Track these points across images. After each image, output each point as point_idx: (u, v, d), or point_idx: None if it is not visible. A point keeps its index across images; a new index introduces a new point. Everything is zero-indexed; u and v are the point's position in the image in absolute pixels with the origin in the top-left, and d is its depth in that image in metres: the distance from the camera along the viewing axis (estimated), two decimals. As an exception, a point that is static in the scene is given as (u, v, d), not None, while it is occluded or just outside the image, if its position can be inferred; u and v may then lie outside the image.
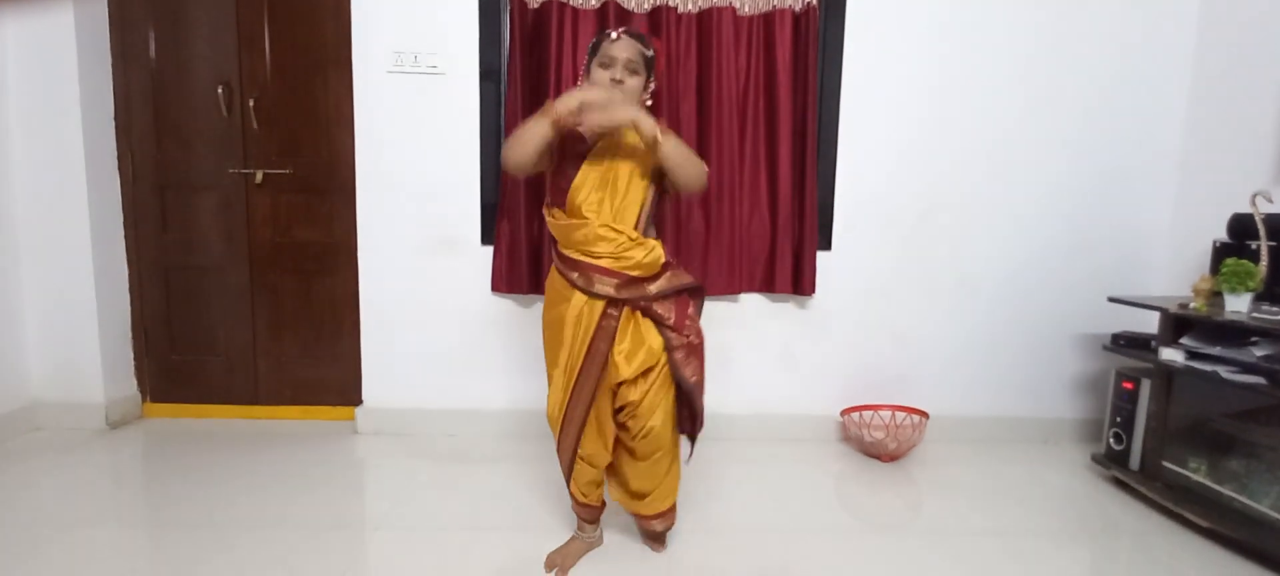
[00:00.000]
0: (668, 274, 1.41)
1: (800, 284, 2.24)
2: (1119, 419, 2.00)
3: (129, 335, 2.41)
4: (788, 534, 1.68)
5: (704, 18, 2.12)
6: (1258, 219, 1.75)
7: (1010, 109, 2.25)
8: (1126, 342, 1.99)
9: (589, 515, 1.55)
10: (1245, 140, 2.05)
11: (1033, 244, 2.31)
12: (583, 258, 1.38)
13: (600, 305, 1.38)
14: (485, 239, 2.26)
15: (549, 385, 1.47)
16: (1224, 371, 1.65)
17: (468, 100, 2.19)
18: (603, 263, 1.36)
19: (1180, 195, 2.29)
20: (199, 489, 1.84)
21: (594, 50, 1.40)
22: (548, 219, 1.45)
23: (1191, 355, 1.78)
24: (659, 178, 1.43)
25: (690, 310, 1.44)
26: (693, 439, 1.52)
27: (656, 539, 1.56)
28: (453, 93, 2.19)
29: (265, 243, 2.39)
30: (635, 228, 1.40)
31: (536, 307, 2.29)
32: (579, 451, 1.45)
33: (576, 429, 1.42)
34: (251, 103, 2.31)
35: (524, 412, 2.31)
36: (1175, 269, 2.26)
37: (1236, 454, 1.73)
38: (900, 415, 2.23)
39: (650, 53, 1.41)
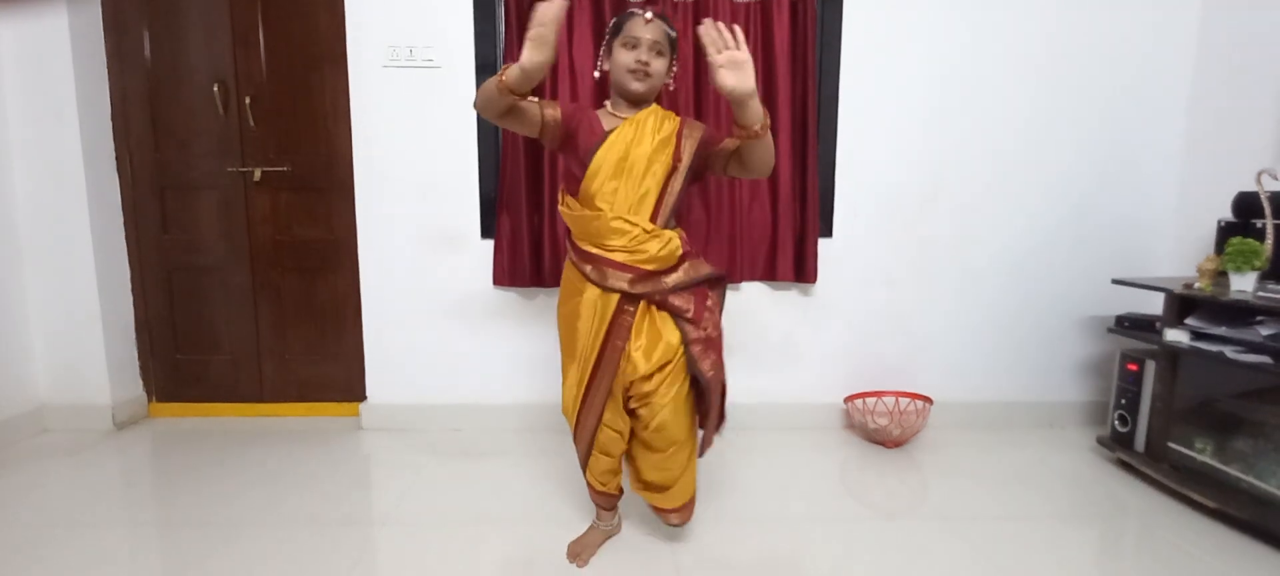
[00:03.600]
0: (686, 265, 1.37)
1: (802, 272, 2.23)
2: (1124, 401, 2.00)
3: (133, 336, 2.42)
4: (793, 521, 1.68)
5: (701, 4, 2.10)
6: (1263, 197, 1.73)
7: (1011, 91, 2.22)
8: (1131, 324, 1.98)
9: (607, 503, 1.54)
10: (1250, 118, 2.03)
11: (1036, 226, 2.30)
12: (597, 250, 1.34)
13: (615, 299, 1.34)
14: (485, 233, 2.25)
15: (563, 377, 1.45)
16: (1229, 351, 1.65)
17: (464, 93, 2.18)
18: (616, 256, 1.32)
19: (1184, 174, 2.26)
20: (207, 488, 1.86)
21: (617, 29, 1.35)
22: (562, 209, 1.40)
23: (1196, 335, 1.77)
24: (698, 166, 1.38)
25: (709, 301, 1.40)
26: (709, 433, 1.46)
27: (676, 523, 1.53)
28: (449, 86, 2.18)
29: (266, 241, 2.39)
30: (654, 219, 1.35)
31: (538, 300, 2.29)
32: (595, 442, 1.44)
33: (594, 420, 1.41)
34: (248, 101, 2.31)
35: (528, 406, 2.31)
36: (1180, 249, 2.25)
37: (1243, 434, 1.73)
38: (904, 401, 2.23)
39: (674, 33, 1.36)
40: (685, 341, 1.36)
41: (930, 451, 2.16)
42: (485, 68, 2.17)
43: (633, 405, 1.40)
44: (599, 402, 1.39)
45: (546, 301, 2.29)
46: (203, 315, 2.44)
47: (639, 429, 1.42)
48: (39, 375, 2.29)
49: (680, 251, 1.36)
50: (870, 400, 2.25)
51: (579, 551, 1.49)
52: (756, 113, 1.17)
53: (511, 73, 1.17)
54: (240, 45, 2.29)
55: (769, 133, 1.22)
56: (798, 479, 1.95)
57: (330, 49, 2.25)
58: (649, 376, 1.35)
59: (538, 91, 2.14)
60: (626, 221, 1.32)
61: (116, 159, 2.33)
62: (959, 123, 2.24)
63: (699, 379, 1.38)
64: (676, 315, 1.36)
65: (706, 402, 1.41)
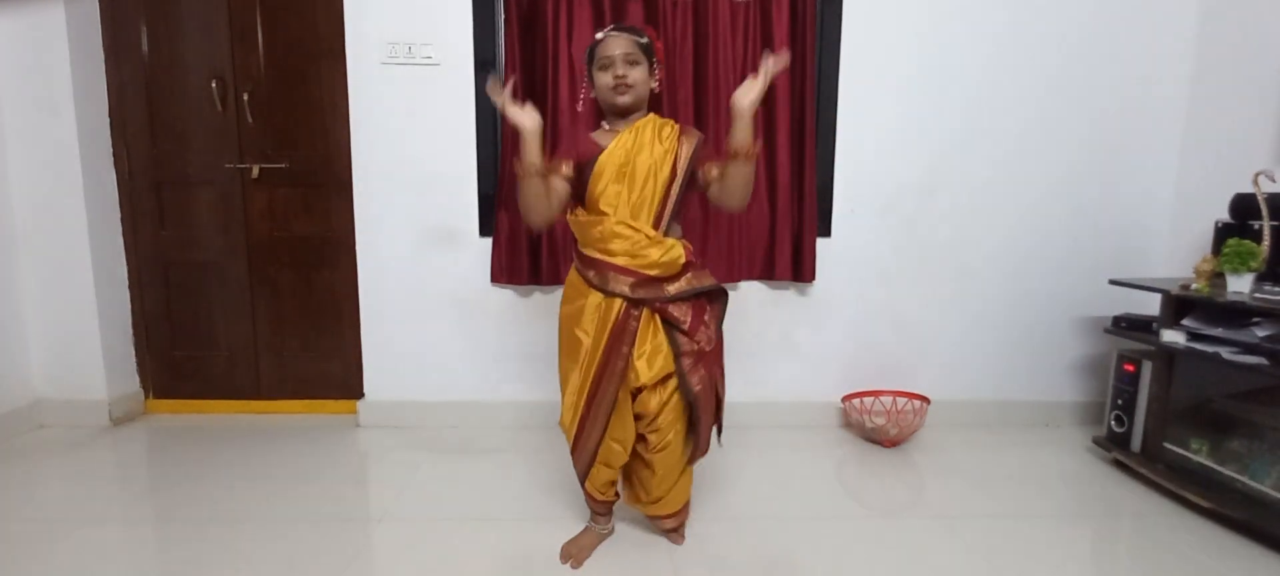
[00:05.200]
0: (689, 275, 1.37)
1: (800, 271, 2.23)
2: (1120, 401, 2.00)
3: (130, 332, 2.42)
4: (790, 520, 1.68)
5: (700, 3, 2.10)
6: (1260, 198, 1.73)
7: (1009, 91, 2.23)
8: (1128, 325, 1.98)
9: (604, 509, 1.54)
10: (1247, 119, 2.03)
11: (1033, 226, 2.30)
12: (599, 255, 1.35)
13: (619, 305, 1.34)
14: (484, 230, 2.25)
15: (562, 387, 1.43)
16: (1226, 352, 1.65)
17: (463, 91, 2.18)
18: (618, 261, 1.33)
19: (1181, 175, 2.27)
20: (203, 484, 1.85)
21: (591, 57, 1.38)
22: (568, 217, 1.41)
23: (1193, 336, 1.77)
24: (689, 174, 1.38)
25: (706, 315, 1.39)
26: (700, 443, 1.44)
27: (675, 532, 1.55)
28: (448, 83, 2.17)
29: (263, 237, 2.39)
30: (656, 225, 1.36)
31: (536, 298, 2.29)
32: (599, 455, 1.41)
33: (598, 434, 1.38)
34: (246, 97, 2.30)
35: (526, 404, 2.31)
36: (1177, 250, 2.25)
37: (1238, 434, 1.73)
38: (901, 400, 2.23)
39: (645, 39, 1.37)
40: (676, 353, 1.36)
41: (927, 451, 2.16)
42: (484, 65, 2.17)
43: (640, 428, 1.40)
44: (603, 414, 1.37)
45: (544, 299, 2.29)
46: (200, 311, 2.44)
47: (644, 450, 1.42)
48: (35, 370, 2.28)
49: (682, 260, 1.36)
50: (867, 399, 2.26)
51: (573, 553, 1.48)
52: (749, 134, 1.26)
53: (527, 159, 1.27)
54: (238, 41, 2.28)
55: (752, 162, 1.29)
56: (795, 477, 1.95)
57: (329, 45, 2.24)
58: (653, 390, 1.35)
59: (540, 98, 2.14)
60: (629, 226, 1.33)
61: (113, 154, 2.32)
62: (957, 123, 2.24)
63: (685, 394, 1.37)
64: (672, 325, 1.36)
65: (695, 414, 1.40)
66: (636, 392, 1.37)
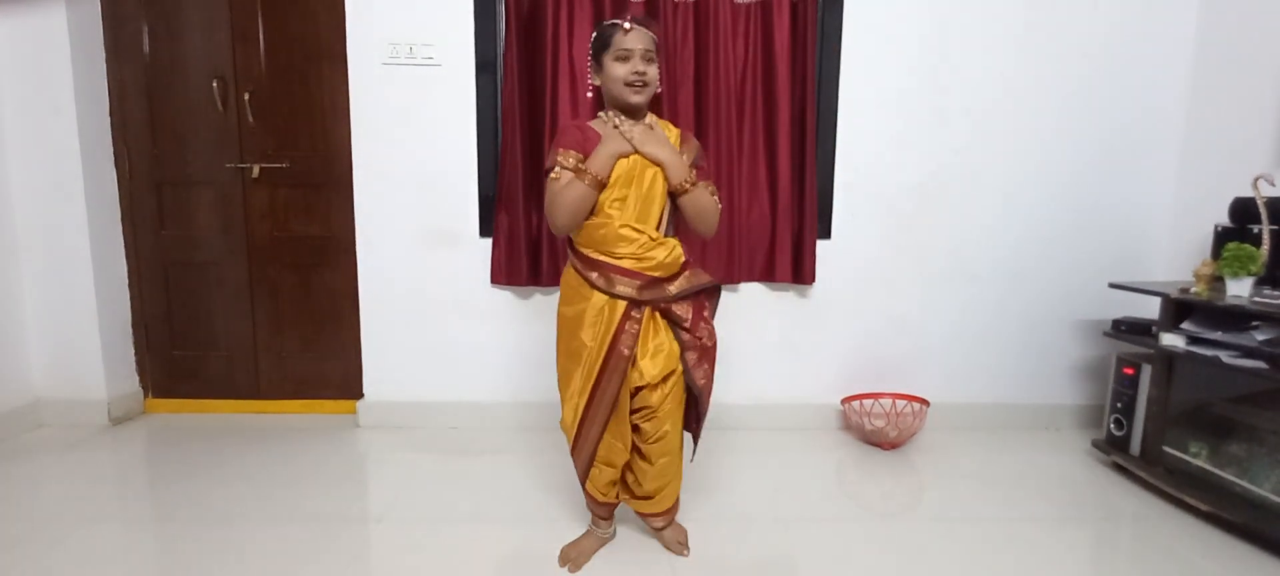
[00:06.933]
0: (687, 273, 1.39)
1: (800, 273, 2.24)
2: (1120, 404, 2.00)
3: (129, 331, 2.42)
4: (790, 522, 1.68)
5: (701, 5, 2.10)
6: (1259, 202, 1.74)
7: (1009, 94, 2.23)
8: (1127, 328, 1.98)
9: (605, 512, 1.53)
10: (1247, 123, 2.04)
11: (1033, 229, 2.30)
12: (603, 257, 1.34)
13: (622, 306, 1.34)
14: (484, 231, 2.25)
15: (561, 387, 1.44)
16: (1225, 356, 1.65)
17: (464, 92, 2.18)
18: (624, 263, 1.33)
19: (1181, 179, 2.27)
20: (202, 484, 1.85)
21: (603, 44, 1.34)
22: None
23: (1192, 340, 1.77)
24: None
25: (706, 311, 1.43)
26: (696, 438, 1.53)
27: (665, 531, 1.54)
28: (449, 84, 2.18)
29: (263, 237, 2.39)
30: (658, 227, 1.38)
31: (535, 299, 2.29)
32: (598, 454, 1.42)
33: (597, 432, 1.39)
34: (247, 97, 2.30)
35: (526, 404, 2.31)
36: (1176, 253, 2.25)
37: (1237, 438, 1.73)
38: (901, 403, 2.23)
39: (657, 40, 1.38)
40: (682, 350, 1.39)
41: (926, 453, 2.16)
42: (485, 66, 2.17)
43: (636, 420, 1.41)
44: (603, 414, 1.37)
45: (543, 300, 2.29)
46: (199, 311, 2.44)
47: (640, 441, 1.43)
48: (35, 369, 2.28)
49: (683, 259, 1.39)
50: (867, 402, 2.26)
51: (573, 557, 1.47)
52: (678, 173, 1.34)
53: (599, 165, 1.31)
54: (239, 41, 2.28)
55: (703, 193, 1.37)
56: (794, 479, 1.95)
57: (330, 45, 2.25)
58: (655, 386, 1.37)
59: (540, 99, 2.15)
60: (634, 229, 1.34)
61: (114, 154, 2.32)
62: (958, 126, 2.24)
63: (691, 387, 1.41)
64: (675, 323, 1.39)
65: (698, 410, 1.46)
66: (637, 391, 1.38)
